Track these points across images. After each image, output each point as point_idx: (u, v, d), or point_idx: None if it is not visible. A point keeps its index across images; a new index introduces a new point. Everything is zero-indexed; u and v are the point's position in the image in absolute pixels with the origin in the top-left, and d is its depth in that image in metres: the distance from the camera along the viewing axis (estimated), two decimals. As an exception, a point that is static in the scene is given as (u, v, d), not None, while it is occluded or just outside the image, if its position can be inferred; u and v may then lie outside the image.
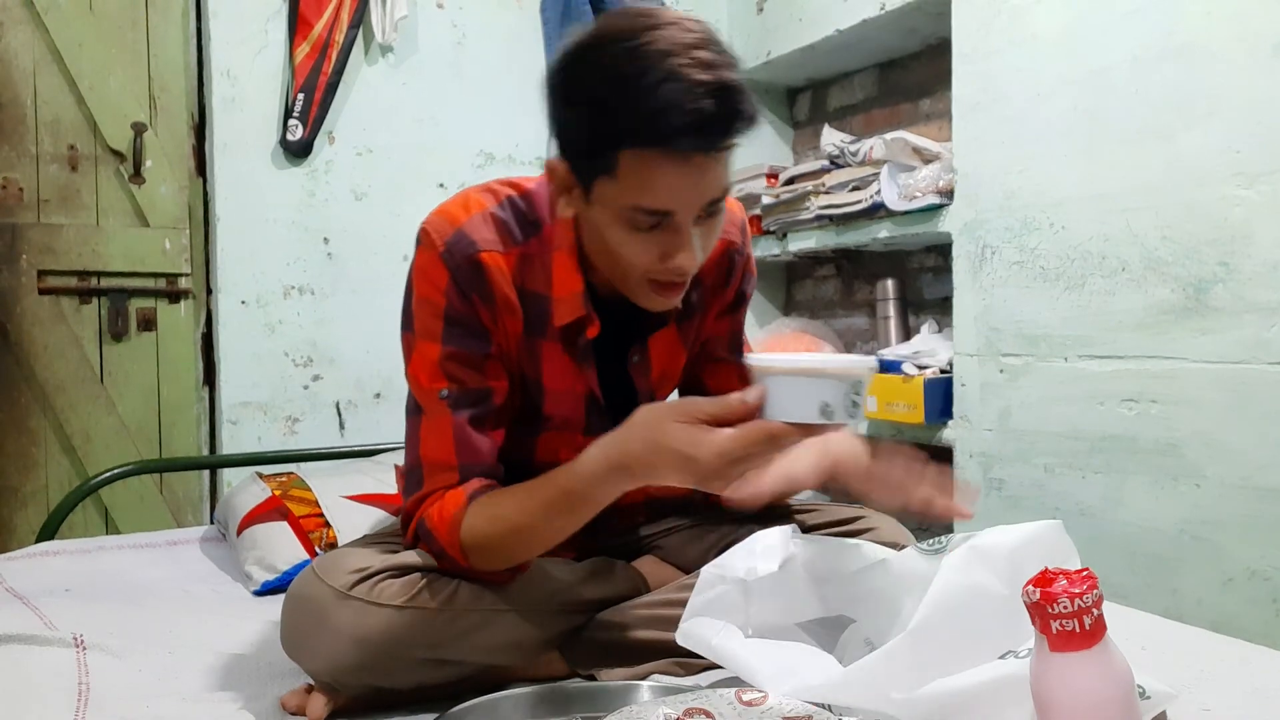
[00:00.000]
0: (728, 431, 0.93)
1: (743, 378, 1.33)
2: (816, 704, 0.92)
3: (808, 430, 0.92)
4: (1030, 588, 0.76)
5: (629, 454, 0.99)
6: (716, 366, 1.37)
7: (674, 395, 1.39)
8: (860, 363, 0.93)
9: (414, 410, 1.17)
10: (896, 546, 1.27)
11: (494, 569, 1.12)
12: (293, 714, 1.11)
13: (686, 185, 1.00)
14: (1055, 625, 0.75)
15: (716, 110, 0.96)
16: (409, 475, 1.17)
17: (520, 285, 1.16)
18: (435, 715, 0.96)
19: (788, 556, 1.07)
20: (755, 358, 0.94)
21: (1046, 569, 0.78)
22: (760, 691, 0.93)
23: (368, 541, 1.22)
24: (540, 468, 1.24)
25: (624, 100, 0.96)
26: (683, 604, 1.22)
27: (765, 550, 1.07)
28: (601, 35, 1.01)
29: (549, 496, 1.06)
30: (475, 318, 1.14)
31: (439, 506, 1.12)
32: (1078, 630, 0.75)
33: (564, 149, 1.07)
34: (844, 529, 1.31)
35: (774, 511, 1.38)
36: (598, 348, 1.20)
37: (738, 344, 1.39)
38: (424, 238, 1.15)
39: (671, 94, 0.94)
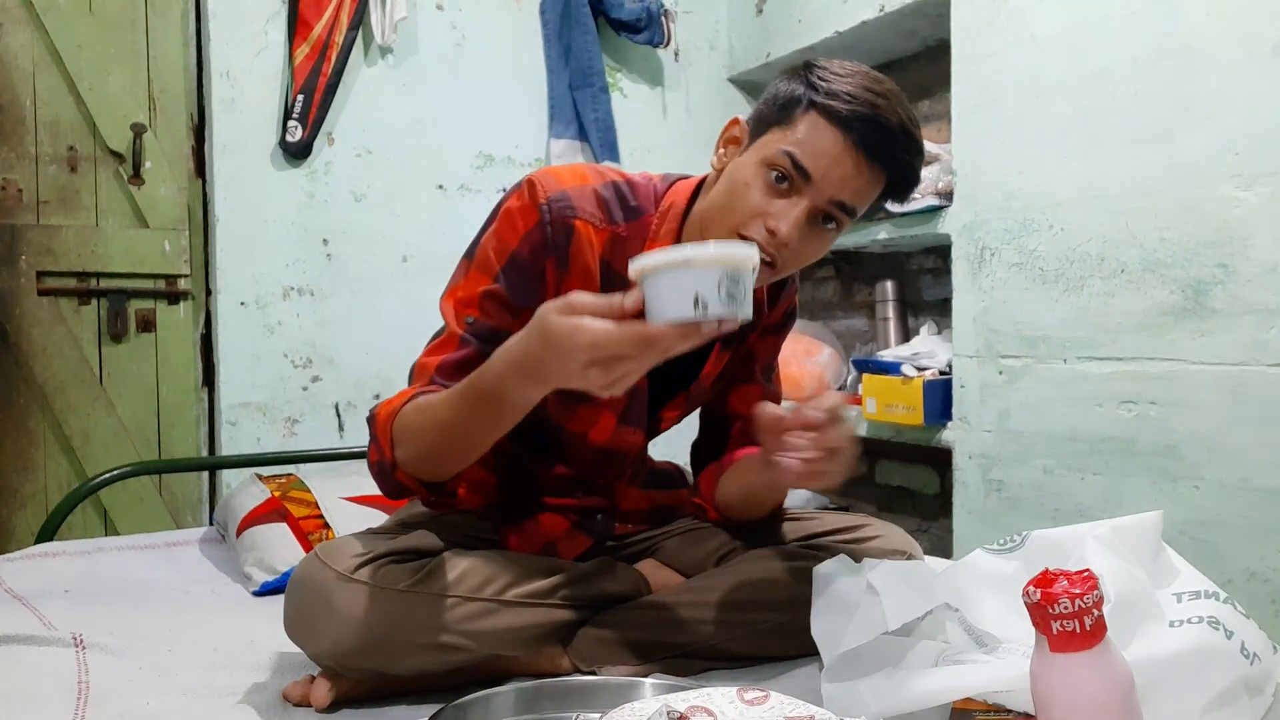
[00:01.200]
0: (601, 324, 0.92)
1: (769, 401, 1.35)
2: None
3: (686, 331, 0.90)
4: (1031, 588, 0.77)
5: (526, 350, 0.98)
6: (745, 388, 1.39)
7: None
8: (733, 249, 0.92)
9: (437, 334, 1.21)
10: (904, 555, 1.28)
11: (415, 471, 1.12)
12: (296, 705, 1.11)
13: (837, 165, 1.08)
14: (1056, 626, 0.75)
15: (899, 134, 1.09)
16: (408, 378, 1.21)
17: (608, 261, 1.19)
18: (438, 707, 0.96)
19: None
20: (634, 260, 0.93)
21: (1047, 569, 0.78)
22: (761, 690, 0.93)
23: (370, 531, 1.22)
24: (571, 434, 1.27)
25: (841, 87, 1.08)
26: (684, 606, 1.22)
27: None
28: (858, 64, 1.14)
29: (465, 393, 1.07)
30: (536, 275, 1.16)
31: (387, 400, 1.15)
32: (1078, 631, 0.75)
33: (757, 112, 1.15)
34: (848, 536, 1.32)
35: (773, 519, 1.38)
36: None
37: (770, 369, 1.42)
38: (527, 186, 1.17)
39: (879, 104, 1.08)
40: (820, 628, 1.07)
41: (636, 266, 0.92)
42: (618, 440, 1.29)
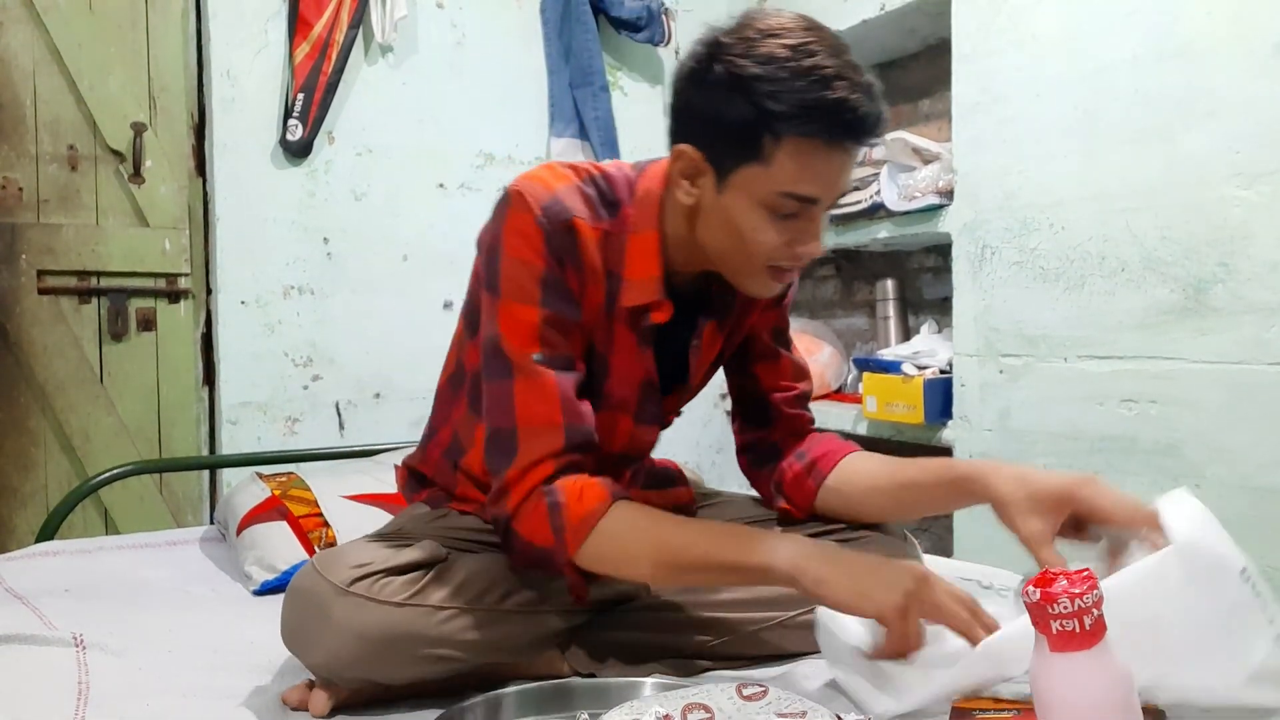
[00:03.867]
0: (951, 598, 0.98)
1: (795, 369, 1.39)
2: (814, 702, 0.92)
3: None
4: (1030, 588, 0.77)
5: (839, 551, 1.02)
6: (768, 362, 1.38)
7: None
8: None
9: (501, 373, 1.13)
10: (901, 556, 1.29)
11: (589, 566, 1.11)
12: (294, 710, 1.11)
13: (837, 176, 1.07)
14: (1055, 625, 0.75)
15: (870, 108, 1.04)
16: (498, 440, 1.13)
17: (604, 260, 1.17)
18: (437, 712, 0.97)
19: None
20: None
21: (1047, 569, 0.78)
22: (760, 686, 0.93)
23: (370, 538, 1.22)
24: None
25: (794, 91, 1.01)
26: (682, 608, 1.22)
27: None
28: (759, 28, 1.06)
29: (724, 531, 1.09)
30: (566, 284, 1.14)
31: (578, 487, 1.10)
32: (1078, 630, 0.75)
33: (702, 135, 1.09)
34: (847, 535, 1.31)
35: (772, 519, 1.38)
36: (655, 331, 1.22)
37: (784, 337, 1.40)
38: (515, 199, 1.13)
39: (840, 91, 1.01)
40: (824, 639, 1.07)
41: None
42: (635, 441, 1.30)
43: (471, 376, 1.25)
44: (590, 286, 1.16)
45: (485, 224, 1.19)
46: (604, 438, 1.22)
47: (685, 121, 1.12)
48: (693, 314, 1.26)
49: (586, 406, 1.14)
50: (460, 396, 1.29)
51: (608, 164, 1.23)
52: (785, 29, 1.05)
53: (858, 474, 1.32)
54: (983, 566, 1.20)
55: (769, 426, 1.38)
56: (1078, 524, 1.07)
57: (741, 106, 1.04)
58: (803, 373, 1.41)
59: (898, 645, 0.97)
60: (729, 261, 1.14)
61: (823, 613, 1.08)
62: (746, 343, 1.37)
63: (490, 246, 1.16)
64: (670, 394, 1.31)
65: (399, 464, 1.44)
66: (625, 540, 1.08)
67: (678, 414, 1.39)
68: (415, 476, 1.38)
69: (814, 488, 1.32)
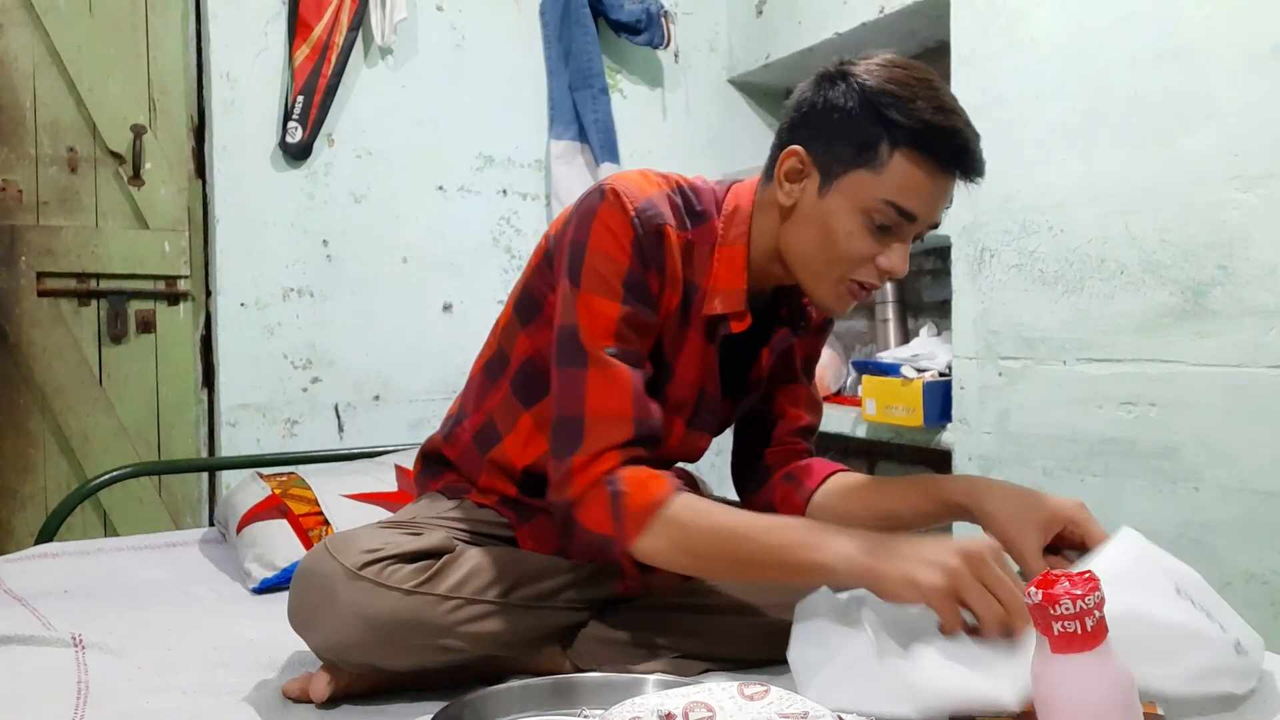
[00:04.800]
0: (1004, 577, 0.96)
1: (810, 401, 1.43)
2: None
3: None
4: (1032, 589, 0.77)
5: (892, 543, 1.00)
6: (791, 387, 1.41)
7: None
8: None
9: (575, 361, 1.14)
10: None
11: (648, 559, 1.11)
12: (295, 701, 1.11)
13: (936, 198, 1.12)
14: (1057, 627, 0.76)
15: (976, 148, 1.12)
16: (565, 428, 1.14)
17: (685, 267, 1.20)
18: (439, 703, 0.97)
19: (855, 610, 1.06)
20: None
21: (1048, 571, 0.78)
22: (762, 685, 0.93)
23: (383, 524, 1.22)
24: None
25: (918, 111, 1.08)
26: (685, 607, 1.23)
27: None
28: (885, 59, 1.13)
29: (775, 519, 1.09)
30: (648, 286, 1.15)
31: (640, 476, 1.10)
32: (1079, 632, 0.75)
33: (820, 139, 1.13)
34: None
35: None
36: (724, 343, 1.24)
37: (811, 368, 1.45)
38: (611, 196, 1.15)
39: (956, 123, 1.10)
40: (798, 655, 1.06)
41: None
42: (686, 446, 1.31)
43: (519, 365, 1.27)
44: (669, 292, 1.18)
45: (565, 215, 1.21)
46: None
47: (802, 124, 1.16)
48: (757, 332, 1.29)
49: (655, 403, 1.16)
50: (500, 383, 1.30)
51: (694, 177, 1.27)
52: (909, 64, 1.13)
53: (843, 492, 1.34)
54: None
55: (765, 448, 1.41)
56: (1052, 546, 1.13)
57: (866, 114, 1.10)
58: (816, 407, 1.45)
59: (944, 625, 0.98)
60: (811, 267, 1.17)
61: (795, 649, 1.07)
62: (781, 364, 1.40)
63: (575, 239, 1.16)
64: (727, 403, 1.34)
65: (399, 464, 1.44)
66: (686, 532, 1.09)
67: (729, 425, 1.41)
68: (436, 460, 1.39)
69: (801, 503, 1.35)
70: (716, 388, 1.27)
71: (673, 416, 1.25)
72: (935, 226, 1.16)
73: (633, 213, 1.14)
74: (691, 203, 1.21)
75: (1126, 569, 0.96)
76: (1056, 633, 0.76)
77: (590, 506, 1.11)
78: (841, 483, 1.35)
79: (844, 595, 1.10)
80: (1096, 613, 0.76)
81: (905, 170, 1.09)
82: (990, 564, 0.95)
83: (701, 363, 1.24)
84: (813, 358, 1.45)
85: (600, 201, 1.15)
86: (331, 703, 1.10)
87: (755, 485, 1.42)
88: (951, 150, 1.09)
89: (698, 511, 1.09)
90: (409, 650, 1.07)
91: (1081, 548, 1.12)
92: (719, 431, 1.38)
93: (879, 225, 1.11)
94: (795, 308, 1.33)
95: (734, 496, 1.53)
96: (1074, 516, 1.12)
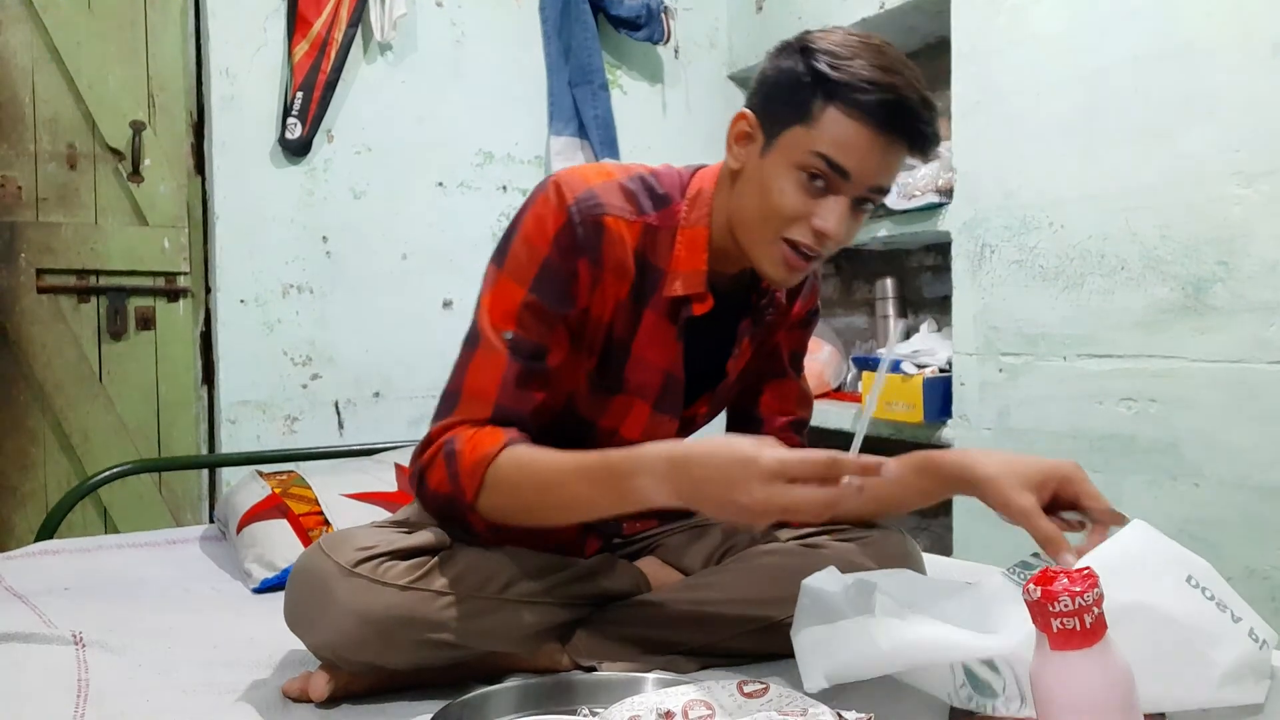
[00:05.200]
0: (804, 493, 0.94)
1: (800, 396, 1.40)
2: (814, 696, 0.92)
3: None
4: (1031, 585, 0.77)
5: (691, 475, 0.98)
6: (777, 383, 1.40)
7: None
8: None
9: (471, 340, 1.18)
10: (902, 556, 1.29)
11: (493, 518, 1.12)
12: (295, 700, 1.11)
13: (871, 155, 1.08)
14: (1056, 624, 0.75)
15: (921, 111, 1.08)
16: (444, 400, 1.17)
17: (642, 254, 1.19)
18: (438, 702, 0.97)
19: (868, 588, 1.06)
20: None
21: (1046, 568, 0.78)
22: (761, 683, 0.93)
23: (376, 525, 1.22)
24: (603, 431, 1.27)
25: (855, 68, 1.06)
26: (683, 603, 1.22)
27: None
28: (851, 30, 1.13)
29: (588, 465, 1.06)
30: (569, 278, 1.15)
31: (474, 435, 1.12)
32: (1078, 629, 0.75)
33: (767, 100, 1.14)
34: (846, 535, 1.31)
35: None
36: (690, 328, 1.23)
37: (799, 361, 1.43)
38: (553, 188, 1.16)
39: (896, 82, 1.06)
40: (804, 639, 1.05)
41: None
42: (652, 432, 1.29)
43: None
44: (610, 280, 1.18)
45: None
46: (617, 422, 1.26)
47: (756, 92, 1.16)
48: (729, 317, 1.28)
49: (531, 397, 1.16)
50: None
51: (659, 165, 1.26)
52: (866, 35, 1.11)
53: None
54: (981, 565, 1.20)
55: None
56: (1050, 508, 1.10)
57: (801, 71, 1.09)
58: (807, 401, 1.43)
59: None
60: (749, 229, 1.15)
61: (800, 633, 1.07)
62: (765, 359, 1.38)
63: (511, 225, 1.20)
64: (694, 401, 1.33)
65: (400, 462, 1.44)
66: (515, 487, 1.10)
67: (706, 420, 1.39)
68: None
69: None
70: (680, 371, 1.26)
71: (634, 398, 1.26)
72: (881, 193, 1.12)
73: (571, 202, 1.15)
74: (653, 187, 1.21)
75: (1136, 559, 0.96)
76: (1055, 629, 0.76)
77: (433, 469, 1.13)
78: None
79: (850, 577, 1.10)
80: (1095, 609, 0.75)
81: (837, 122, 1.07)
82: (782, 493, 0.94)
83: (665, 347, 1.24)
84: (799, 351, 1.43)
85: (541, 191, 1.18)
86: (331, 702, 1.10)
87: None
88: (886, 107, 1.06)
89: (522, 464, 1.09)
90: (406, 647, 1.07)
91: (1078, 507, 1.09)
92: (703, 422, 1.37)
93: (813, 181, 1.09)
94: (767, 294, 1.31)
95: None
96: (1069, 475, 1.10)
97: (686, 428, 1.36)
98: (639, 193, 1.20)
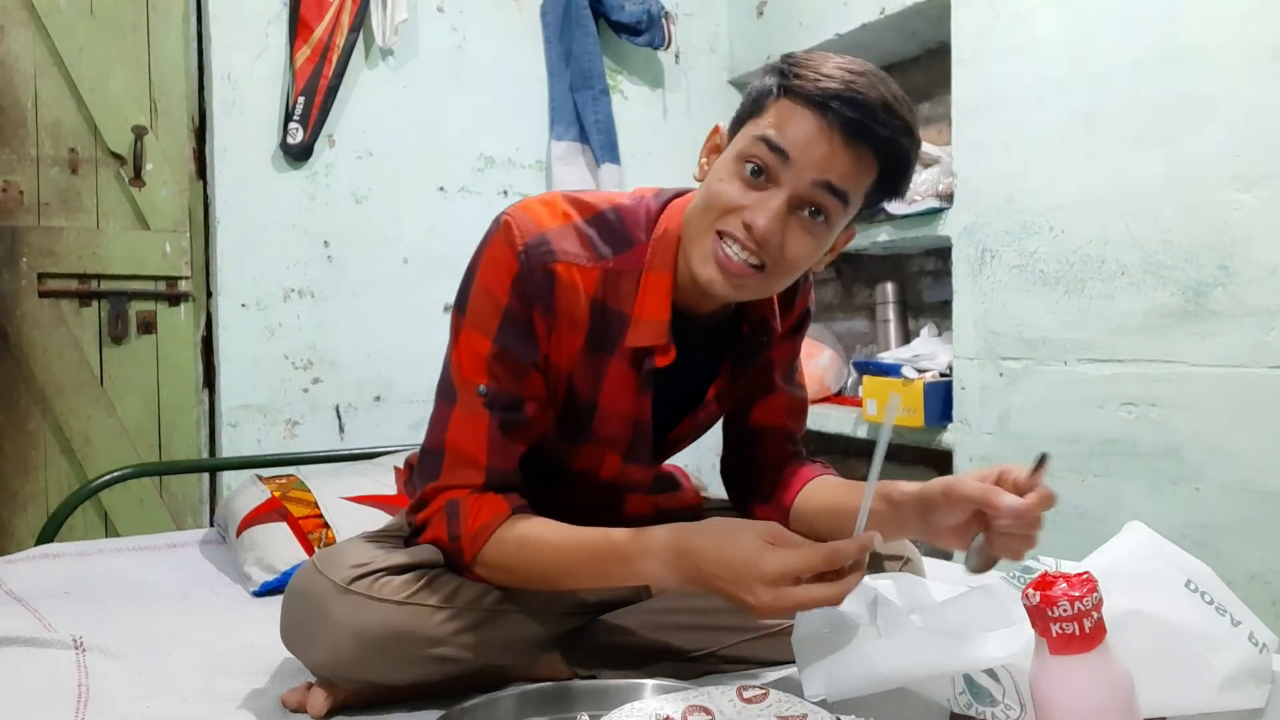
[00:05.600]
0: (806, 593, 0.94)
1: (790, 405, 1.35)
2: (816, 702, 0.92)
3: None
4: (1030, 590, 0.77)
5: (699, 567, 0.99)
6: (769, 398, 1.35)
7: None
8: None
9: (447, 394, 1.15)
10: (902, 560, 1.28)
11: (491, 580, 1.12)
12: (293, 711, 1.11)
13: (815, 143, 1.02)
14: (1055, 629, 0.75)
15: (879, 111, 1.01)
16: (428, 458, 1.16)
17: (601, 300, 1.14)
18: (436, 713, 0.96)
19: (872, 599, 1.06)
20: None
21: (1045, 572, 0.78)
22: (761, 688, 0.93)
23: (368, 538, 1.22)
24: (578, 475, 1.25)
25: (818, 75, 1.02)
26: (683, 611, 1.22)
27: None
28: (832, 54, 1.08)
29: (592, 547, 1.06)
30: (530, 325, 1.12)
31: (478, 501, 1.11)
32: (1077, 633, 0.75)
33: (737, 114, 1.11)
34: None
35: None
36: (660, 374, 1.18)
37: (791, 372, 1.37)
38: (504, 229, 1.12)
39: (856, 82, 1.02)
40: (804, 647, 1.05)
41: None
42: (624, 477, 1.28)
43: None
44: (564, 330, 1.13)
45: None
46: (593, 467, 1.25)
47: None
48: (711, 352, 1.24)
49: (516, 449, 1.15)
50: None
51: (628, 195, 1.20)
52: (848, 58, 1.07)
53: (816, 499, 1.28)
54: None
55: (749, 456, 1.37)
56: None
57: (768, 78, 1.07)
58: (798, 410, 1.38)
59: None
60: (688, 229, 1.10)
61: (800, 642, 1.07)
62: (750, 378, 1.34)
63: (470, 266, 1.16)
64: (672, 427, 1.29)
65: (399, 465, 1.44)
66: (516, 563, 1.10)
67: (687, 444, 1.36)
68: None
69: (781, 521, 1.27)
70: (649, 417, 1.21)
71: (605, 449, 1.23)
72: (834, 194, 1.04)
73: (521, 248, 1.10)
74: (612, 229, 1.15)
75: (1135, 565, 0.96)
76: (1055, 634, 0.76)
77: (433, 526, 1.14)
78: (819, 487, 1.29)
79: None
80: (1095, 614, 0.76)
81: (783, 111, 1.03)
82: (786, 594, 0.94)
83: (633, 398, 1.19)
84: (791, 360, 1.37)
85: (495, 231, 1.13)
86: (329, 716, 1.10)
87: (741, 487, 1.39)
88: (837, 99, 1.00)
89: (525, 540, 1.10)
90: (405, 663, 1.06)
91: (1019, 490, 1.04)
92: (666, 456, 1.35)
93: (753, 171, 1.04)
94: (759, 324, 1.26)
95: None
96: (946, 490, 1.07)
97: (662, 458, 1.34)
98: (596, 236, 1.14)
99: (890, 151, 1.04)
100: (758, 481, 1.36)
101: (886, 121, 1.02)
